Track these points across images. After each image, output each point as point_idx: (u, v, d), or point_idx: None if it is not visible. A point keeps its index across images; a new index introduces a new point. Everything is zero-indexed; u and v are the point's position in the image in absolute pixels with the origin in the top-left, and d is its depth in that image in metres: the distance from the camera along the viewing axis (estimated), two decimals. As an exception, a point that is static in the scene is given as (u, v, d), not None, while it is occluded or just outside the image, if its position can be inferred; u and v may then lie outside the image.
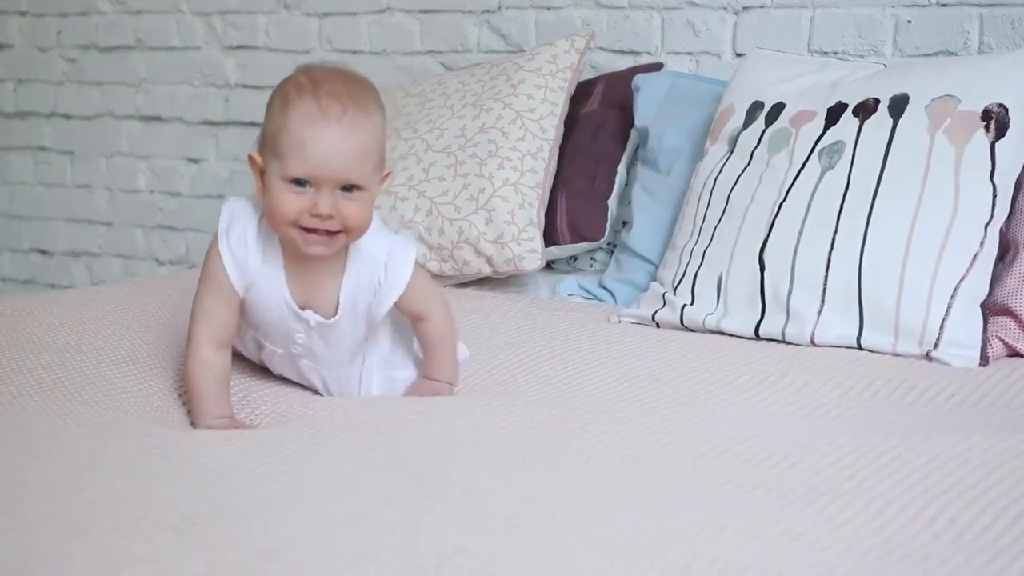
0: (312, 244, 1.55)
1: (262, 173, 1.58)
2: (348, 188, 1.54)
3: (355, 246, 1.63)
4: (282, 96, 1.56)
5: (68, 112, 3.59)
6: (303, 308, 1.64)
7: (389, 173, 1.64)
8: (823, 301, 1.95)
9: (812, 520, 1.19)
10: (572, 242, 2.47)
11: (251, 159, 1.59)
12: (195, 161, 3.42)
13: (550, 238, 2.46)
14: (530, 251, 2.37)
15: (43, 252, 3.72)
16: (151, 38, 3.41)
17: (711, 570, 1.04)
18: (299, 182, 1.52)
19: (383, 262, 1.64)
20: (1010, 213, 1.97)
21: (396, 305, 1.67)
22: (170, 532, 1.14)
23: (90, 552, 1.10)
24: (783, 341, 1.96)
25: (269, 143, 1.56)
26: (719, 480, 1.32)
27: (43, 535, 1.15)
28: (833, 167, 2.03)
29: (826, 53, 2.51)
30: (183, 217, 3.46)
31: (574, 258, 2.53)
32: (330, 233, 1.55)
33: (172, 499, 1.22)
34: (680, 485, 1.30)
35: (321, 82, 1.54)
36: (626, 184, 2.50)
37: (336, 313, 1.65)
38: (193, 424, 1.63)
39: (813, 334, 1.94)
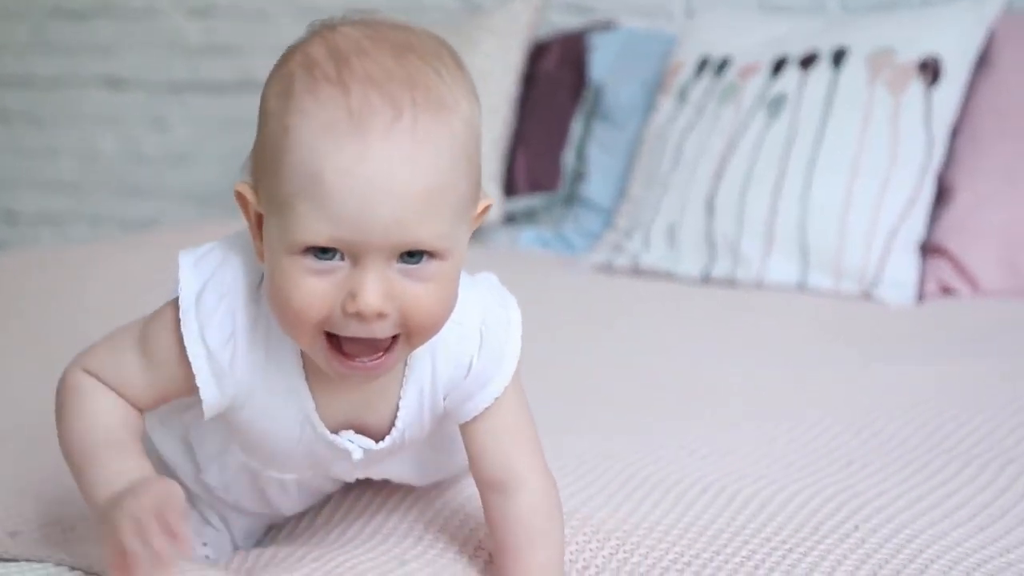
0: (347, 369, 0.87)
1: (259, 221, 0.89)
2: (414, 255, 0.84)
3: None
4: (282, 83, 0.86)
5: (33, 77, 3.63)
6: (339, 429, 0.96)
7: (489, 206, 0.92)
8: (769, 245, 2.05)
9: (746, 438, 1.28)
10: (531, 192, 2.55)
11: (239, 196, 0.90)
12: (161, 125, 3.47)
13: (509, 191, 2.54)
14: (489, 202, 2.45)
15: (10, 218, 3.77)
16: (116, 2, 3.45)
17: (647, 483, 1.13)
18: (321, 251, 0.83)
19: (476, 334, 0.95)
20: (947, 159, 2.06)
21: (467, 436, 0.97)
22: None
23: None
24: (732, 284, 2.06)
25: (264, 175, 0.87)
26: (663, 408, 1.42)
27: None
28: (778, 118, 2.12)
29: (775, 9, 2.59)
30: (150, 182, 3.52)
31: (533, 213, 2.62)
32: (381, 348, 0.87)
33: None
34: (626, 415, 1.39)
35: (350, 56, 0.84)
36: (582, 138, 2.59)
37: (389, 433, 0.97)
38: (88, 499, 0.90)
39: (760, 277, 2.04)
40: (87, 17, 3.51)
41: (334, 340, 0.85)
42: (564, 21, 2.80)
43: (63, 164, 3.64)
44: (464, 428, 0.96)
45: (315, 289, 0.83)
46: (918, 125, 2.03)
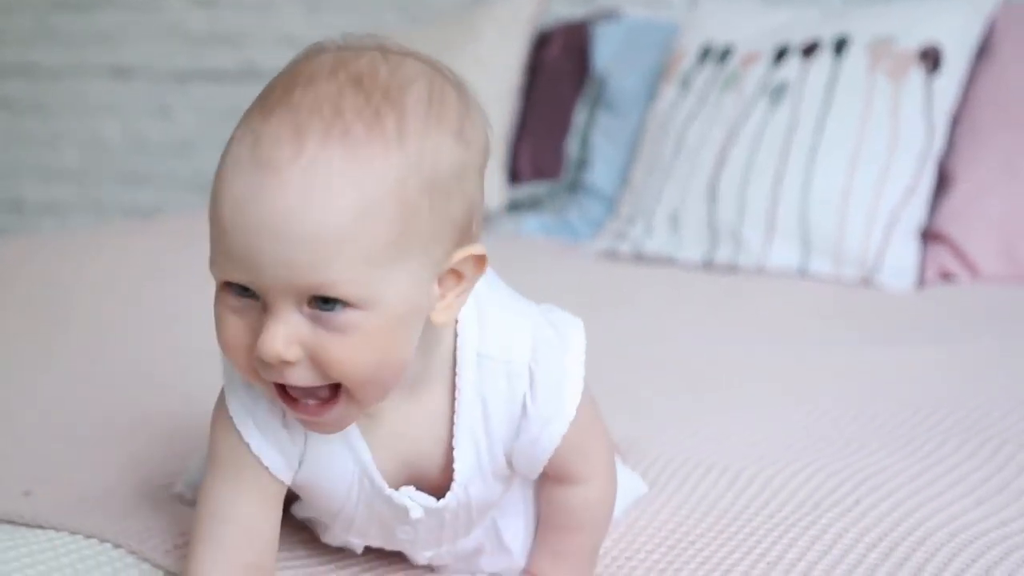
0: (294, 413, 0.84)
1: None
2: (328, 301, 0.78)
3: (466, 352, 0.88)
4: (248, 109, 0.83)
5: (37, 67, 3.64)
6: (399, 486, 0.92)
7: (479, 256, 0.83)
8: (770, 231, 2.06)
9: (746, 420, 1.31)
10: (533, 179, 2.57)
11: None
12: (165, 114, 3.49)
13: (513, 178, 2.56)
14: (494, 189, 2.47)
15: (15, 207, 3.78)
16: (119, -8, 3.47)
17: (651, 463, 1.16)
18: (240, 288, 0.80)
19: (525, 371, 0.89)
20: (947, 147, 2.08)
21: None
22: None
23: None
24: (733, 270, 2.08)
25: None
26: (666, 391, 1.44)
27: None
28: (779, 106, 2.14)
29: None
30: (154, 170, 3.54)
31: (536, 200, 2.63)
32: (319, 401, 0.82)
33: None
34: (629, 397, 1.41)
35: (298, 86, 0.80)
36: (585, 126, 2.60)
37: (450, 488, 0.91)
38: None
39: (761, 263, 2.06)
40: (91, 7, 3.53)
41: (274, 388, 0.81)
42: (567, 11, 2.82)
43: (67, 153, 3.66)
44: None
45: (232, 327, 0.80)
46: (918, 113, 2.05)
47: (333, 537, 0.98)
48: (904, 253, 1.99)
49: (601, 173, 2.46)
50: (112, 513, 1.00)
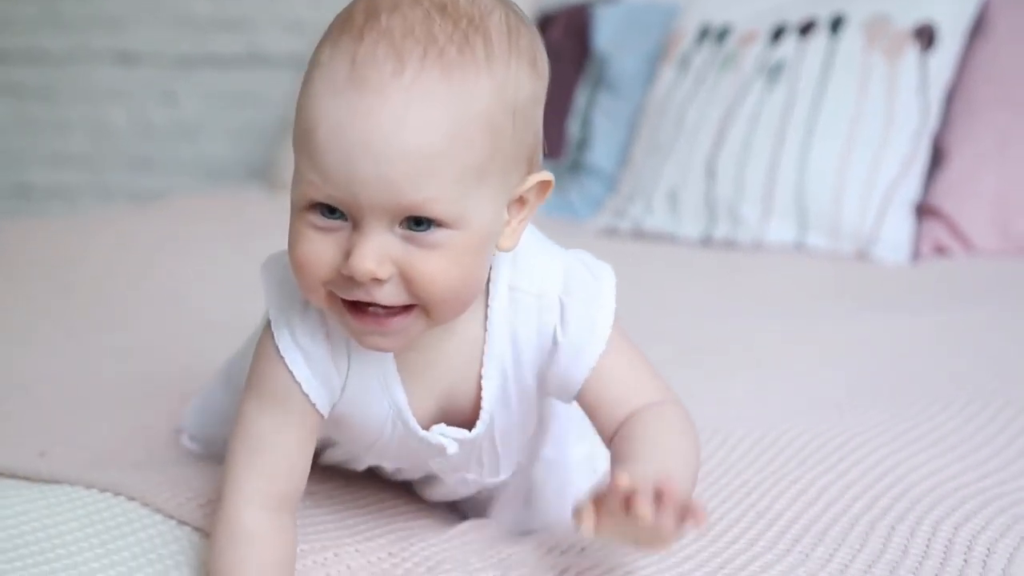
0: (363, 333, 0.85)
1: None
2: (421, 223, 0.80)
3: (499, 285, 0.90)
4: (324, 37, 0.84)
5: (44, 53, 3.67)
6: (431, 425, 0.94)
7: (547, 183, 0.87)
8: (768, 208, 2.10)
9: (742, 387, 1.35)
10: (534, 160, 2.60)
11: None
12: (171, 100, 3.52)
13: (514, 159, 2.60)
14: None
15: (22, 192, 3.82)
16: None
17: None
18: (328, 210, 0.82)
19: (556, 303, 0.90)
20: (943, 124, 2.11)
21: (580, 400, 0.93)
22: None
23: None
24: (731, 246, 2.11)
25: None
26: (663, 360, 1.46)
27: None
28: (777, 84, 2.17)
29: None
30: (160, 155, 3.57)
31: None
32: (389, 311, 0.83)
33: None
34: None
35: (382, 11, 0.81)
36: (586, 107, 2.63)
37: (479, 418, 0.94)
38: None
39: (759, 239, 2.09)
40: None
41: (344, 306, 0.83)
42: (568, -8, 2.84)
43: (74, 138, 3.69)
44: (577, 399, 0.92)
45: (316, 245, 0.81)
46: (913, 90, 2.08)
47: (363, 464, 1.02)
48: (899, 228, 2.02)
49: (601, 153, 2.49)
50: (126, 470, 1.04)
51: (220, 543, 0.88)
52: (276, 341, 0.89)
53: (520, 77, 0.83)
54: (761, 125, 2.15)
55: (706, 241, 2.15)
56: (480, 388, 0.91)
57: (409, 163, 0.77)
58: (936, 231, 2.07)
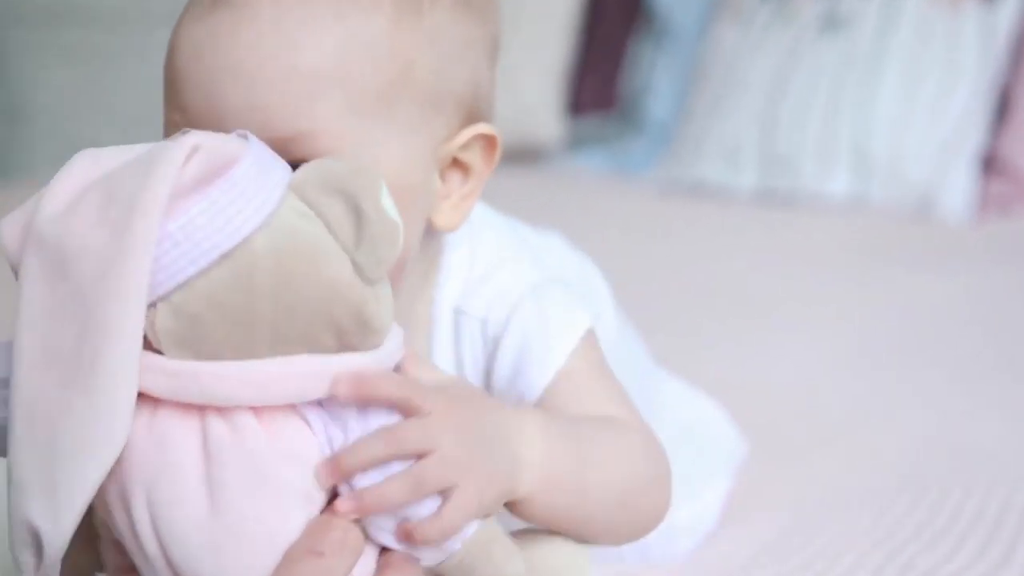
0: None
1: None
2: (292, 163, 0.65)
3: (443, 306, 0.75)
4: None
5: (102, 16, 3.69)
6: None
7: (492, 140, 0.73)
8: (827, 159, 2.07)
9: (797, 342, 1.36)
10: (590, 113, 2.58)
11: None
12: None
13: (570, 112, 2.57)
14: (551, 122, 2.48)
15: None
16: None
17: (696, 384, 1.18)
18: None
19: (502, 321, 0.73)
20: (1008, 73, 2.06)
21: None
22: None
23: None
24: (790, 199, 2.09)
25: None
26: (715, 316, 1.46)
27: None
28: (837, 34, 2.13)
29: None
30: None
31: (594, 134, 2.64)
32: None
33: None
34: (676, 320, 1.43)
35: None
36: (643, 59, 2.60)
37: None
38: None
39: (817, 192, 2.06)
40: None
41: None
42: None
43: (133, 100, 3.70)
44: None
45: None
46: (977, 39, 2.03)
47: None
48: (962, 180, 1.98)
49: (658, 105, 2.46)
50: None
51: None
52: None
53: (439, 7, 0.69)
54: (820, 76, 2.12)
55: (763, 193, 2.12)
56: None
57: (283, 85, 0.64)
58: (1000, 183, 2.02)
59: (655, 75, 2.50)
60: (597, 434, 0.69)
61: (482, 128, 0.71)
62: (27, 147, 3.55)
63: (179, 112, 0.67)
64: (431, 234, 0.72)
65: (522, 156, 2.52)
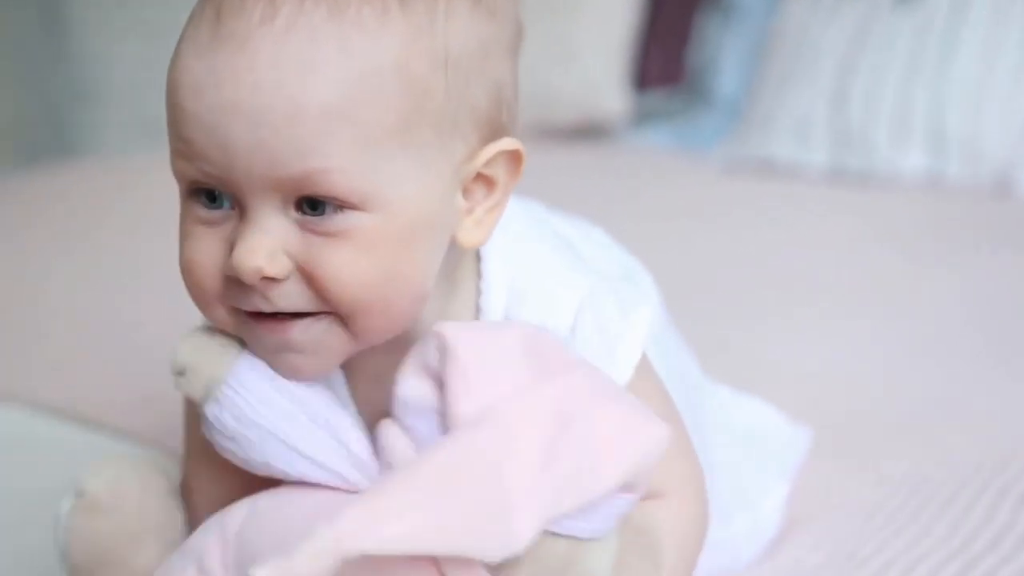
0: (271, 349, 0.67)
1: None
2: (317, 206, 0.64)
3: (490, 316, 0.72)
4: None
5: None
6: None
7: (518, 154, 0.69)
8: (901, 135, 2.00)
9: (869, 328, 1.32)
10: (656, 88, 2.53)
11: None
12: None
13: (636, 87, 2.53)
14: (616, 98, 2.43)
15: (148, 128, 3.86)
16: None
17: (756, 369, 1.14)
18: (210, 196, 0.66)
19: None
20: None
21: None
22: None
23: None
24: (863, 177, 2.03)
25: None
26: (780, 300, 1.41)
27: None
28: (911, 8, 2.07)
29: None
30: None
31: (660, 109, 2.60)
32: (295, 317, 0.66)
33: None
34: (740, 304, 1.38)
35: None
36: (710, 34, 2.55)
37: None
38: None
39: (892, 169, 2.00)
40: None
41: (245, 317, 0.66)
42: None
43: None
44: None
45: (202, 243, 0.65)
46: (1060, 10, 1.96)
47: None
48: (1044, 158, 1.91)
49: (726, 80, 2.41)
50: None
51: None
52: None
53: (454, 19, 0.65)
54: (894, 51, 2.06)
55: (835, 171, 2.06)
56: None
57: (289, 123, 0.61)
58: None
59: (723, 49, 2.45)
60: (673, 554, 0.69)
61: (505, 144, 0.67)
62: (100, 125, 3.55)
63: (184, 143, 0.64)
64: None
65: (586, 132, 2.47)
